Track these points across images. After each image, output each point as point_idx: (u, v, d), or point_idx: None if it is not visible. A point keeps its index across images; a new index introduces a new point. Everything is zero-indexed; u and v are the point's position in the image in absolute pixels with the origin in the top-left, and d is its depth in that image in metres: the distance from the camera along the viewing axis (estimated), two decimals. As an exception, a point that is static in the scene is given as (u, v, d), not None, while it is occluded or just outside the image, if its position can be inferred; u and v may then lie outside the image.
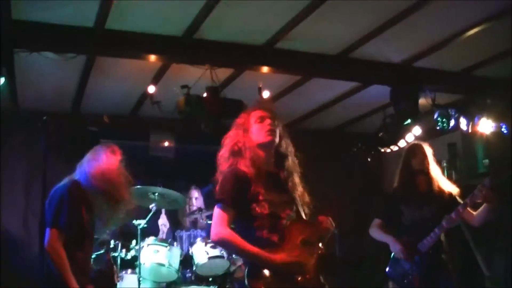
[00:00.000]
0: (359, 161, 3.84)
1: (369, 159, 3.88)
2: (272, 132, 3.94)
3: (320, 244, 3.84)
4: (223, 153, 4.01)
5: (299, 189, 4.03)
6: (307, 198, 4.05)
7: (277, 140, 3.99)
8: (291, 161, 4.07)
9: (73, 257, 4.60)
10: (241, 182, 3.80)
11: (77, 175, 4.88)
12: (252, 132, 3.96)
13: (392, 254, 5.66)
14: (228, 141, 4.03)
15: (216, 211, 3.80)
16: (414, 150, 5.76)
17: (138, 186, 6.38)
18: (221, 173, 3.93)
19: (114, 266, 5.26)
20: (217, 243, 4.10)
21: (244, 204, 3.78)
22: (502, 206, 5.45)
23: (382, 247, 5.84)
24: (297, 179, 4.06)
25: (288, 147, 4.10)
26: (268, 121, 3.96)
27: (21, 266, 8.04)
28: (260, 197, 3.80)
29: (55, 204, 4.58)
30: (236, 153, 3.94)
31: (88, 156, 4.99)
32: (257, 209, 3.77)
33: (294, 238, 3.76)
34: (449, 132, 8.30)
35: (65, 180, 4.80)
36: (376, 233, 5.84)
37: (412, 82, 7.57)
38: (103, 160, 4.96)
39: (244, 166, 3.86)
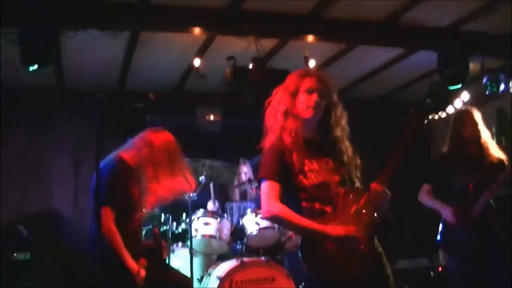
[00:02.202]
0: (408, 129, 3.77)
1: (422, 127, 3.79)
2: (315, 108, 3.82)
3: (376, 214, 3.78)
4: (268, 118, 3.92)
5: (349, 153, 3.93)
6: (358, 161, 3.96)
7: (319, 115, 3.87)
8: (340, 129, 3.95)
9: (124, 232, 4.67)
10: (284, 155, 3.73)
11: (122, 150, 4.93)
12: (298, 100, 3.85)
13: (442, 221, 5.60)
14: (275, 104, 3.91)
15: (263, 187, 3.73)
16: (464, 117, 5.66)
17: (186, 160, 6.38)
18: (266, 144, 3.85)
19: (163, 241, 5.28)
20: (269, 220, 4.04)
21: (290, 177, 3.72)
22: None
23: (431, 214, 5.78)
24: (346, 144, 3.95)
25: (338, 117, 3.96)
26: (315, 95, 3.82)
27: (74, 245, 8.16)
28: (306, 168, 3.74)
29: (103, 181, 4.62)
30: (282, 118, 3.83)
31: (137, 135, 5.04)
32: (304, 180, 3.71)
33: (348, 208, 3.70)
34: (498, 97, 8.16)
35: (111, 157, 4.84)
36: (425, 199, 5.78)
37: (459, 46, 7.42)
38: (150, 137, 5.00)
39: (287, 135, 3.77)
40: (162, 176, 4.87)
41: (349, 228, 3.60)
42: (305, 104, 3.83)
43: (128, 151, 4.91)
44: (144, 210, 5.03)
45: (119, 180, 4.67)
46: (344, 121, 3.98)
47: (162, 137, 5.03)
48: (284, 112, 3.83)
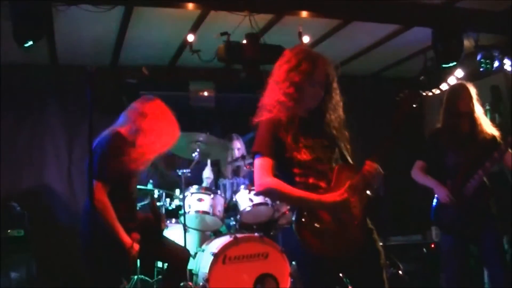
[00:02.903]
0: (399, 110, 3.77)
1: (414, 105, 3.80)
2: (319, 100, 3.86)
3: (368, 192, 3.81)
4: (268, 94, 3.89)
5: (337, 126, 3.94)
6: (346, 134, 3.98)
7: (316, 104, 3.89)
8: (336, 115, 3.95)
9: (118, 206, 4.70)
10: (280, 131, 3.73)
11: (117, 125, 4.93)
12: (306, 89, 3.79)
13: (436, 199, 5.62)
14: (279, 82, 3.85)
15: (256, 162, 3.73)
16: (459, 91, 5.64)
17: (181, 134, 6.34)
18: (261, 119, 3.83)
19: (161, 212, 5.29)
20: (262, 194, 4.00)
21: (284, 152, 3.72)
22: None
23: (425, 190, 5.79)
24: (338, 120, 3.96)
25: (336, 103, 3.95)
26: (322, 90, 3.84)
27: (67, 221, 8.19)
28: (300, 144, 3.74)
29: (98, 156, 4.63)
30: (284, 98, 3.79)
31: (129, 107, 5.05)
32: (298, 156, 3.72)
33: (342, 183, 3.71)
34: (492, 74, 8.15)
35: (106, 132, 4.85)
36: (419, 176, 5.77)
37: (454, 23, 7.40)
38: (143, 107, 5.00)
39: (285, 113, 3.76)
40: (153, 141, 4.89)
41: (343, 195, 3.63)
42: (313, 97, 3.84)
43: (123, 125, 4.92)
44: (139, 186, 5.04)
45: (115, 154, 4.68)
46: (340, 109, 3.98)
47: (154, 105, 5.04)
48: (287, 94, 3.79)
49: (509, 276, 5.25)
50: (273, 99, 3.83)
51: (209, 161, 7.60)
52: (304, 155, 3.73)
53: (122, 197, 4.85)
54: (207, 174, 7.60)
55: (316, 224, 3.62)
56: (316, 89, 3.83)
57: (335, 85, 3.93)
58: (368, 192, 3.81)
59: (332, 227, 3.63)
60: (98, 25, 7.22)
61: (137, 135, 4.85)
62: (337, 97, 3.95)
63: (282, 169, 3.74)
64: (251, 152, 3.83)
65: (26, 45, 5.92)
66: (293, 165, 3.73)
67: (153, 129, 4.89)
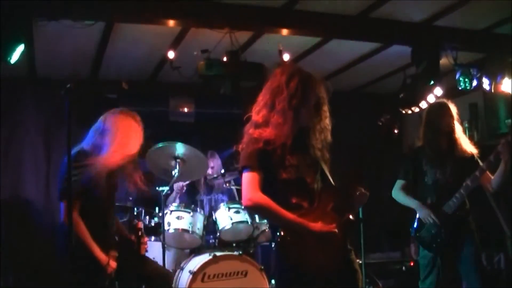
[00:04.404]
0: (381, 124, 3.79)
1: (395, 130, 3.84)
2: (307, 123, 3.83)
3: (351, 216, 3.82)
4: (261, 108, 3.85)
5: (321, 148, 3.91)
6: (327, 156, 3.95)
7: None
8: (321, 127, 3.91)
9: (92, 223, 4.65)
10: (267, 147, 3.70)
11: (85, 141, 4.88)
12: (303, 109, 3.78)
13: (417, 217, 5.63)
14: (274, 97, 3.81)
15: (245, 176, 3.70)
16: (441, 109, 5.65)
17: (160, 145, 6.26)
18: (251, 133, 3.79)
19: (143, 235, 5.23)
20: (250, 209, 3.96)
21: (269, 169, 3.71)
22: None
23: (403, 209, 5.81)
24: (323, 143, 3.93)
25: (326, 125, 3.92)
26: (311, 112, 3.81)
27: (44, 234, 8.11)
28: (286, 162, 3.73)
29: (63, 175, 4.58)
30: (277, 114, 3.77)
31: (97, 122, 4.98)
32: (283, 174, 3.72)
33: (324, 204, 3.74)
34: (470, 92, 8.21)
35: (73, 150, 4.78)
36: (400, 196, 5.78)
37: (433, 41, 7.47)
38: (110, 118, 4.93)
39: (277, 129, 3.73)
40: (116, 151, 4.79)
41: (330, 226, 3.65)
42: (304, 118, 3.80)
43: (89, 141, 4.86)
44: (118, 203, 4.97)
45: (77, 173, 4.59)
46: (328, 132, 3.95)
47: (122, 119, 4.95)
48: (279, 113, 3.77)
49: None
50: (264, 116, 3.82)
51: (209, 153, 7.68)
52: (289, 174, 3.73)
53: (97, 212, 4.77)
54: (211, 164, 7.66)
55: (299, 243, 3.62)
56: (308, 111, 3.81)
57: (325, 108, 3.91)
58: (350, 216, 3.82)
59: (314, 247, 3.63)
60: (78, 39, 7.19)
61: (101, 148, 4.80)
62: (326, 120, 3.93)
63: (269, 186, 3.72)
64: (239, 166, 3.80)
65: (13, 61, 5.88)
66: (277, 183, 3.73)
67: (116, 140, 4.81)
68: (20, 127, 8.57)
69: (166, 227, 6.49)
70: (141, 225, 5.28)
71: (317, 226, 3.63)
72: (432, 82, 7.59)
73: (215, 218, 6.83)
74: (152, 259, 5.65)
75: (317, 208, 3.73)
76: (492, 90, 7.78)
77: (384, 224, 9.32)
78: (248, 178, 3.69)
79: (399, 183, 5.83)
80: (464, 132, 5.95)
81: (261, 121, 3.81)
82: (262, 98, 3.90)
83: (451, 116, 5.59)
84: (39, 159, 8.63)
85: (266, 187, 3.71)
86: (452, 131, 5.58)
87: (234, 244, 6.89)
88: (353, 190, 3.81)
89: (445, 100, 5.80)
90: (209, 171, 7.67)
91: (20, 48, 5.89)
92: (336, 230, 3.65)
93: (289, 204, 3.70)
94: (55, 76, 8.33)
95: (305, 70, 3.92)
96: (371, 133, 4.12)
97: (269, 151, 3.70)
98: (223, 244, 6.87)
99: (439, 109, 5.70)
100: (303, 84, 3.79)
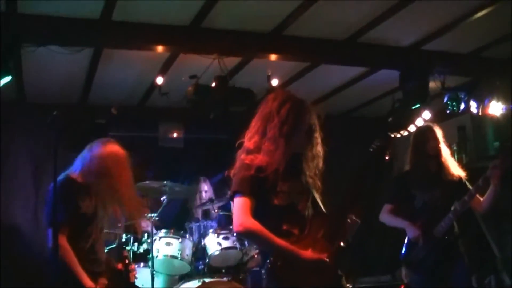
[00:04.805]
0: (373, 150, 3.82)
1: (387, 157, 3.86)
2: (299, 150, 3.83)
3: (342, 243, 3.78)
4: (254, 134, 3.83)
5: (313, 175, 3.89)
6: (318, 183, 3.93)
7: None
8: (313, 154, 3.89)
9: (79, 250, 4.62)
10: (261, 173, 3.66)
11: (72, 169, 4.87)
12: (296, 135, 3.78)
13: (407, 239, 5.63)
14: (268, 124, 3.79)
15: (237, 201, 3.67)
16: (427, 133, 5.69)
17: (147, 182, 6.34)
18: (243, 159, 3.76)
19: (132, 263, 5.21)
20: (241, 234, 3.93)
21: (261, 195, 3.68)
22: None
23: (393, 232, 5.81)
24: (314, 170, 3.91)
25: (318, 151, 3.90)
26: (303, 139, 3.80)
27: (33, 260, 8.04)
28: (278, 188, 3.71)
29: (50, 202, 4.57)
30: (268, 141, 3.75)
31: (84, 150, 4.97)
32: (275, 200, 3.69)
33: (315, 232, 3.72)
34: (458, 115, 8.25)
35: (60, 177, 4.77)
36: (388, 218, 5.80)
37: (421, 65, 7.50)
38: (97, 151, 4.92)
39: (270, 156, 3.71)
40: (118, 186, 4.81)
41: (322, 255, 3.62)
42: (296, 145, 3.79)
43: (76, 168, 4.85)
44: (106, 230, 4.96)
45: (65, 199, 4.57)
46: (320, 160, 3.92)
47: (110, 148, 4.95)
48: (271, 140, 3.75)
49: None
50: (256, 143, 3.80)
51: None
52: (280, 200, 3.71)
53: (85, 240, 4.76)
54: (205, 188, 7.62)
55: (289, 268, 3.59)
56: (299, 138, 3.79)
57: (317, 134, 3.90)
58: (341, 243, 3.78)
59: (305, 273, 3.60)
60: (67, 65, 7.19)
61: (89, 177, 4.79)
62: (317, 146, 3.91)
63: (261, 212, 3.68)
64: (231, 191, 3.78)
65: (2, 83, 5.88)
66: (268, 209, 3.70)
67: (104, 172, 4.82)
68: (8, 152, 8.52)
69: (155, 254, 6.47)
70: (126, 253, 5.26)
71: (308, 254, 3.60)
72: (418, 106, 7.60)
73: (204, 244, 6.82)
74: (141, 286, 5.63)
75: (307, 236, 3.70)
76: (480, 113, 7.82)
77: (374, 247, 9.30)
78: (240, 204, 3.65)
79: (386, 207, 5.84)
80: (453, 155, 5.99)
81: (253, 147, 3.79)
82: (254, 124, 3.89)
83: (437, 139, 5.62)
84: (28, 185, 8.57)
85: (257, 213, 3.67)
86: (438, 154, 5.61)
87: (223, 270, 6.86)
88: (344, 218, 3.77)
89: (430, 124, 5.84)
90: (203, 195, 7.70)
91: (6, 79, 5.88)
92: (326, 259, 3.63)
93: (280, 230, 3.67)
94: (45, 100, 8.31)
95: (297, 97, 3.91)
96: (362, 157, 4.12)
97: (261, 178, 3.67)
98: (213, 270, 6.85)
99: (424, 133, 5.74)
100: (294, 111, 3.77)
